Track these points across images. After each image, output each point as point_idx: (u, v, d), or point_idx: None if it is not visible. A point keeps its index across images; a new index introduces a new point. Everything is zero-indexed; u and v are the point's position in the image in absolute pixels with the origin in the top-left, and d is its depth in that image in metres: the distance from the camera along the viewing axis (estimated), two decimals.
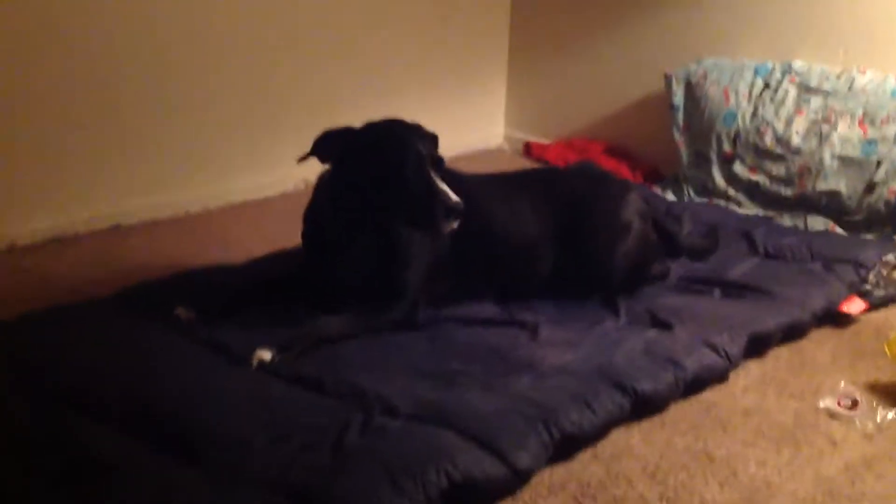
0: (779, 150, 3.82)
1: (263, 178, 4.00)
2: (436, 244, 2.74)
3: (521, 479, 2.07)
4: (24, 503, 1.80)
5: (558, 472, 2.15)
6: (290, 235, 2.95)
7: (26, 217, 3.38)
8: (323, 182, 2.74)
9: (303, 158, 2.60)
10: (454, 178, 2.80)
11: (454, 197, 2.46)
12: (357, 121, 2.63)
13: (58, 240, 3.42)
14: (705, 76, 4.06)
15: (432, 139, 2.63)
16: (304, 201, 2.80)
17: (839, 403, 2.47)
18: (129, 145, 3.61)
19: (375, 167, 2.52)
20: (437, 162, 2.57)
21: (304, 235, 2.81)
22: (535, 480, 2.10)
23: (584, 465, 2.19)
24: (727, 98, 3.98)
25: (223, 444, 2.04)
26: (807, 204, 3.74)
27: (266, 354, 2.41)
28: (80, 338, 2.49)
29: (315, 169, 2.71)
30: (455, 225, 2.49)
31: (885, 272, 3.18)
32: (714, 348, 2.60)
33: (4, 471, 1.93)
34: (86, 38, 3.38)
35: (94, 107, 3.47)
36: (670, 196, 4.06)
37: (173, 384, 2.27)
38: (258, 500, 1.85)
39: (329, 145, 2.59)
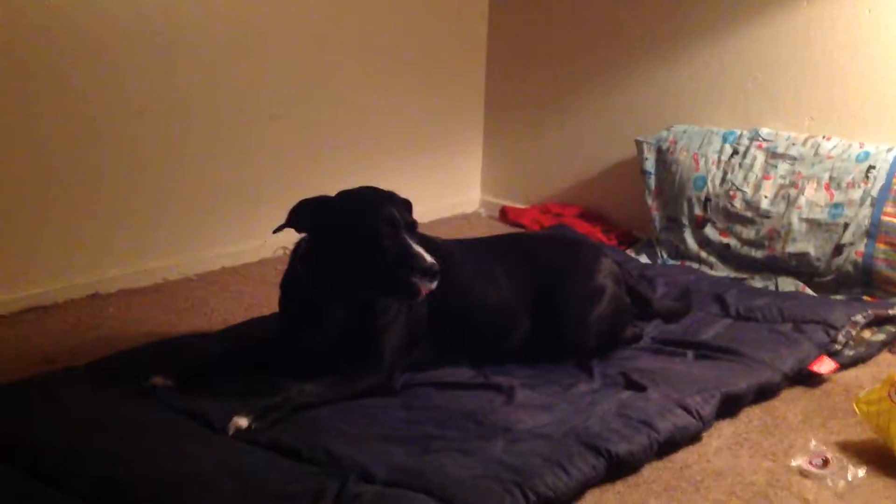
0: (748, 214, 3.89)
1: (241, 246, 4.03)
2: (412, 310, 2.77)
3: None
4: None
5: None
6: (267, 302, 2.98)
7: (4, 286, 3.38)
8: (300, 250, 2.78)
9: (278, 229, 2.64)
10: (430, 243, 2.86)
11: (429, 258, 2.50)
12: (335, 188, 2.69)
13: (35, 309, 3.42)
14: (675, 142, 4.15)
15: (406, 204, 2.68)
16: (282, 268, 2.84)
17: (811, 462, 2.49)
18: (106, 214, 3.63)
19: (350, 235, 2.57)
20: (411, 226, 2.61)
21: (280, 303, 2.84)
22: None
23: None
24: (697, 164, 4.06)
25: None
26: (777, 266, 3.81)
27: (243, 422, 2.41)
28: (54, 409, 2.49)
29: (293, 236, 2.75)
30: (433, 286, 2.52)
31: (854, 332, 3.22)
32: (687, 409, 2.62)
33: None
34: (63, 104, 3.42)
35: (71, 176, 3.50)
36: (644, 259, 4.12)
37: (147, 454, 2.26)
38: None
39: (304, 215, 2.64)
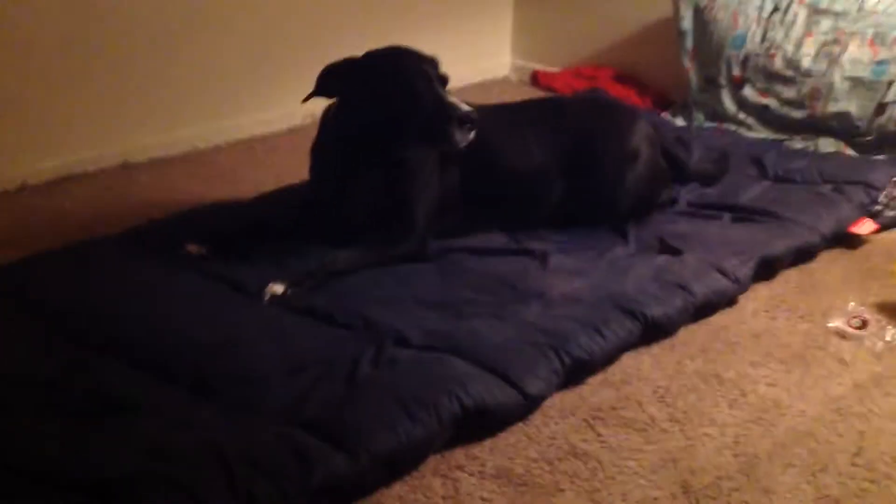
0: (789, 73, 3.77)
1: (270, 114, 3.98)
2: (444, 175, 2.74)
3: (531, 404, 2.10)
4: (41, 442, 1.82)
5: (569, 397, 2.18)
6: (297, 170, 2.95)
7: (36, 156, 3.38)
8: (329, 116, 2.74)
9: (308, 98, 2.60)
10: None
11: (465, 106, 2.46)
12: (362, 52, 2.62)
13: (67, 178, 3.42)
14: (713, 0, 4.00)
15: (433, 62, 2.62)
16: (312, 135, 2.80)
17: (848, 324, 2.48)
18: (136, 83, 3.59)
19: (382, 91, 2.52)
20: (443, 80, 2.57)
21: (311, 170, 2.81)
22: (546, 405, 2.13)
23: (595, 389, 2.22)
24: (736, 21, 3.92)
25: (238, 378, 2.07)
26: (817, 126, 3.71)
27: (278, 288, 2.42)
28: (90, 276, 2.51)
29: (322, 103, 2.70)
30: (471, 136, 2.48)
31: (895, 192, 3.16)
32: (723, 272, 2.61)
33: (21, 410, 1.95)
34: None
35: (100, 45, 3.45)
36: (680, 122, 4.03)
37: (186, 321, 2.29)
38: (273, 433, 1.87)
39: (332, 80, 2.58)
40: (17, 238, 2.89)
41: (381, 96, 2.53)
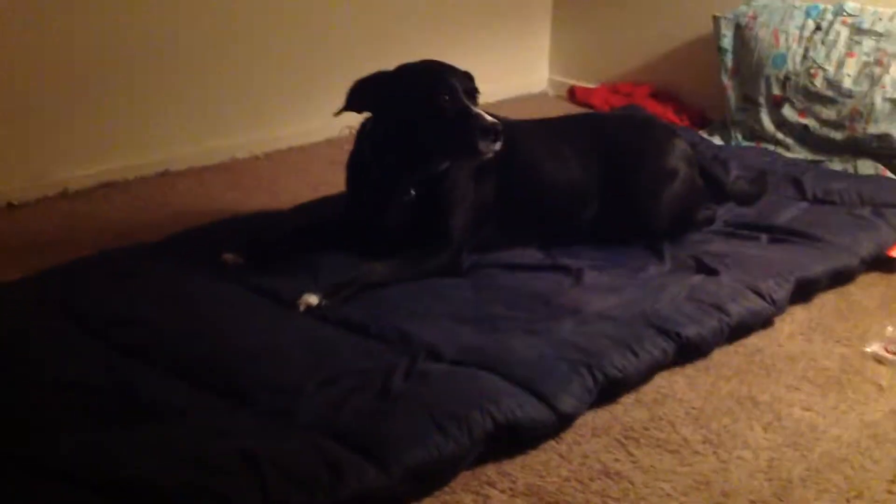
0: (829, 93, 3.75)
1: (309, 125, 4.01)
2: (480, 189, 2.75)
3: (564, 422, 2.09)
4: (78, 447, 1.84)
5: (602, 416, 2.17)
6: (335, 182, 2.97)
7: (78, 163, 3.43)
8: (365, 129, 2.75)
9: (339, 112, 2.63)
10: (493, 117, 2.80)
11: (490, 118, 2.47)
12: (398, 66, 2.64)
13: (108, 185, 3.47)
14: (755, 18, 3.99)
15: (465, 75, 2.63)
16: (349, 147, 2.82)
17: (886, 349, 2.46)
18: (177, 93, 3.64)
19: (410, 104, 2.55)
20: (471, 93, 2.58)
21: (348, 182, 2.83)
22: (578, 423, 2.12)
23: (628, 408, 2.20)
24: (777, 40, 3.90)
25: (272, 387, 2.07)
26: (857, 147, 3.69)
27: (313, 299, 2.44)
28: (128, 283, 2.53)
29: (359, 115, 2.72)
30: (496, 147, 2.49)
31: None
32: (759, 294, 2.59)
33: (59, 414, 1.98)
34: None
35: (143, 54, 3.50)
36: (717, 140, 4.01)
37: (222, 329, 2.31)
38: (308, 443, 1.87)
39: (361, 94, 2.61)
40: (58, 243, 2.94)
41: (408, 109, 2.55)
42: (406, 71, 2.61)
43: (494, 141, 2.48)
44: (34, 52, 3.23)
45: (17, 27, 3.18)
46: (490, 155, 2.51)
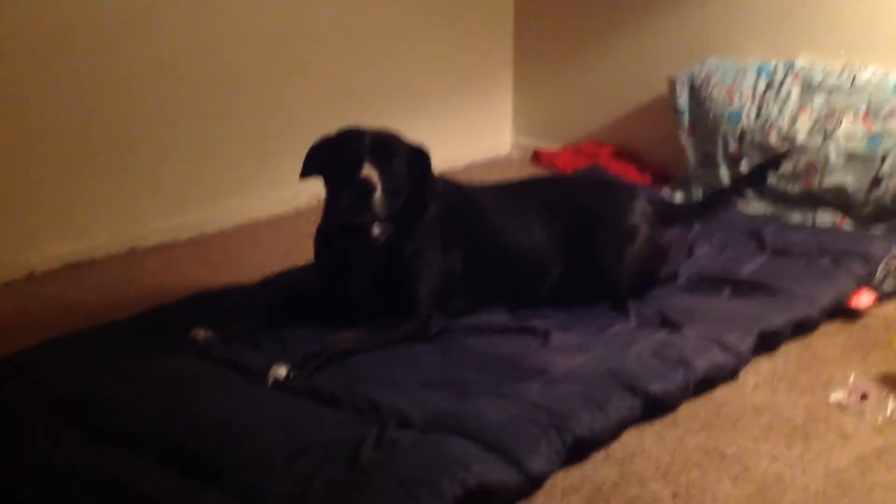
0: (784, 148, 3.83)
1: (275, 197, 4.06)
2: (447, 256, 2.78)
3: (534, 483, 2.10)
4: None
5: (572, 475, 2.18)
6: (303, 253, 3.00)
7: (44, 244, 3.44)
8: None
9: (302, 177, 2.74)
10: (458, 190, 2.86)
11: (364, 172, 2.51)
12: None
13: (75, 265, 3.47)
14: (709, 78, 4.09)
15: (380, 138, 2.63)
16: (317, 218, 2.85)
17: (849, 397, 2.49)
18: (141, 169, 3.67)
19: (328, 169, 2.67)
20: (377, 151, 2.57)
21: (315, 253, 2.86)
22: (548, 484, 2.13)
23: (597, 466, 2.22)
24: (731, 99, 4.00)
25: (243, 464, 2.07)
26: (814, 200, 3.76)
27: (282, 371, 2.44)
28: (98, 363, 2.53)
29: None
30: (376, 202, 2.52)
31: (893, 265, 3.19)
32: (724, 347, 2.62)
33: (28, 499, 1.97)
34: (99, 63, 3.45)
35: (106, 132, 3.54)
36: (679, 197, 4.08)
37: (192, 407, 2.31)
38: None
39: (309, 159, 2.72)
40: (25, 327, 2.93)
41: (326, 174, 2.67)
42: (330, 136, 2.69)
43: (368, 198, 2.51)
44: None
45: None
46: (359, 221, 2.60)
